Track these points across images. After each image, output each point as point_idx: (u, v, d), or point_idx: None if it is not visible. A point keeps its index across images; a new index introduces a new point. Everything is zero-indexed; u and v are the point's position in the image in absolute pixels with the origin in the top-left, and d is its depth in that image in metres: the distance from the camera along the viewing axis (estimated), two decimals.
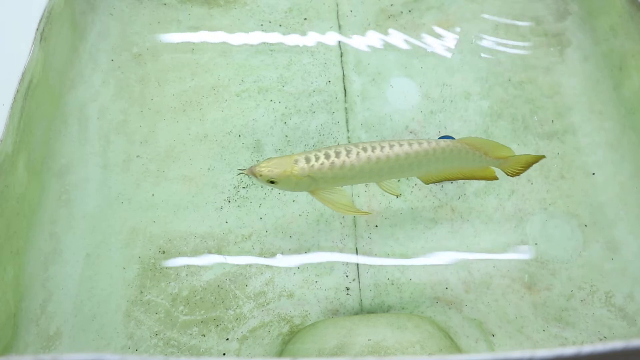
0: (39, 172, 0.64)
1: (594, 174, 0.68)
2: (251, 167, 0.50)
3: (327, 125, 0.71)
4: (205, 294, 0.61)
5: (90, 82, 0.72)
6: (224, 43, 0.78)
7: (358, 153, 0.49)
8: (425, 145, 0.50)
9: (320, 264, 0.63)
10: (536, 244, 0.64)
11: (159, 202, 0.66)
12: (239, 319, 0.60)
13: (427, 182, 0.55)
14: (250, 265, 0.62)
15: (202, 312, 0.60)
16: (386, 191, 0.54)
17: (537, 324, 0.60)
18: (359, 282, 0.62)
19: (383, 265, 0.63)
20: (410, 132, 0.71)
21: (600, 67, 0.75)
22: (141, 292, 0.61)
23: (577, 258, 0.63)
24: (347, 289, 0.62)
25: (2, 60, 0.60)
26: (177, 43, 0.77)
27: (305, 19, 0.80)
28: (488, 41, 0.78)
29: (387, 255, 0.63)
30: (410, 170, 0.52)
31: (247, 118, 0.72)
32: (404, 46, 0.78)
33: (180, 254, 0.63)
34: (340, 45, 0.78)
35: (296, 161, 0.49)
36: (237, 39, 0.78)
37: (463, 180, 0.68)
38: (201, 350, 0.58)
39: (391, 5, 0.82)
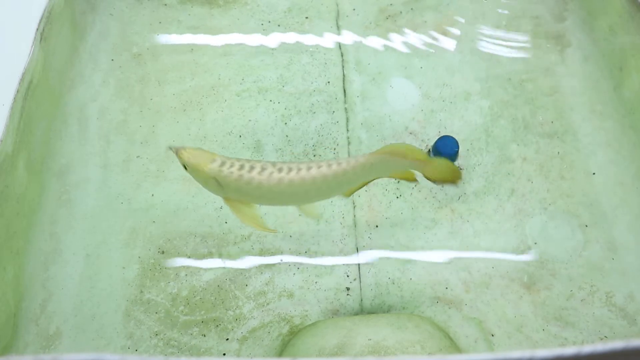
0: (39, 172, 0.64)
1: (594, 173, 0.68)
2: (180, 147, 0.49)
3: (327, 125, 0.71)
4: (205, 294, 0.61)
5: (90, 82, 0.72)
6: (224, 43, 0.78)
7: (271, 173, 0.47)
8: (344, 165, 0.48)
9: (320, 264, 0.63)
10: (536, 243, 0.64)
11: (159, 202, 0.66)
12: (238, 319, 0.60)
13: (347, 195, 0.53)
14: (250, 266, 0.62)
15: (202, 312, 0.60)
16: (305, 214, 0.51)
17: (536, 324, 0.60)
18: (360, 281, 0.62)
19: (383, 265, 0.63)
20: (410, 133, 0.71)
21: (600, 67, 0.75)
22: (141, 292, 0.61)
23: (577, 258, 0.63)
24: (348, 289, 0.62)
25: (2, 60, 0.60)
26: (177, 43, 0.77)
27: (305, 18, 0.80)
28: (488, 41, 0.78)
29: (388, 255, 0.63)
30: (330, 192, 0.51)
31: (247, 118, 0.72)
32: (404, 46, 0.78)
33: (180, 254, 0.63)
34: (340, 45, 0.78)
35: (213, 160, 0.48)
36: (237, 38, 0.78)
37: (463, 181, 0.68)
38: (201, 350, 0.58)
39: (391, 5, 0.82)
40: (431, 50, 0.78)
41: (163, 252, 0.63)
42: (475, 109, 0.73)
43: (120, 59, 0.75)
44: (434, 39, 0.79)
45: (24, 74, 0.59)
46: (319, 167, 0.48)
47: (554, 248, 0.64)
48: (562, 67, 0.76)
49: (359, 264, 0.63)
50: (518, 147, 0.70)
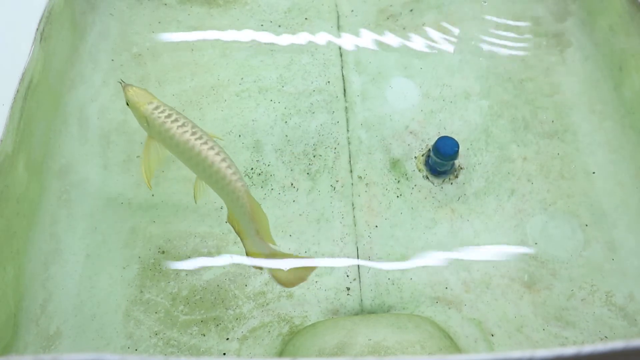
0: (39, 172, 0.64)
1: (594, 173, 0.68)
2: (129, 85, 0.54)
3: (327, 125, 0.71)
4: (205, 293, 0.61)
5: (90, 82, 0.72)
6: (224, 43, 0.78)
7: (185, 132, 0.50)
8: (223, 165, 0.49)
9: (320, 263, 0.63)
10: (536, 243, 0.64)
11: (159, 202, 0.66)
12: (238, 319, 0.60)
13: (228, 220, 0.53)
14: (249, 266, 0.62)
15: (202, 311, 0.60)
16: (194, 188, 0.53)
17: (536, 323, 0.60)
18: (360, 281, 0.62)
19: (383, 265, 0.63)
20: (410, 132, 0.71)
21: (600, 67, 0.75)
22: (141, 292, 0.61)
23: (578, 258, 0.63)
24: (348, 289, 0.62)
25: (2, 60, 0.60)
26: (177, 43, 0.77)
27: (305, 18, 0.80)
28: (488, 41, 0.78)
29: (388, 255, 0.63)
30: (203, 176, 0.52)
31: (247, 118, 0.72)
32: (404, 46, 0.78)
33: (180, 254, 0.63)
34: (340, 45, 0.78)
35: (150, 103, 0.52)
36: (237, 39, 0.78)
37: (463, 181, 0.68)
38: (201, 350, 0.58)
39: (391, 5, 0.82)
40: (431, 51, 0.78)
41: (163, 252, 0.63)
42: (475, 109, 0.73)
43: (120, 59, 0.75)
44: (434, 39, 0.79)
45: (24, 74, 0.59)
46: (210, 148, 0.50)
47: (554, 248, 0.64)
48: (562, 67, 0.76)
49: (359, 264, 0.63)
50: (518, 147, 0.70)
